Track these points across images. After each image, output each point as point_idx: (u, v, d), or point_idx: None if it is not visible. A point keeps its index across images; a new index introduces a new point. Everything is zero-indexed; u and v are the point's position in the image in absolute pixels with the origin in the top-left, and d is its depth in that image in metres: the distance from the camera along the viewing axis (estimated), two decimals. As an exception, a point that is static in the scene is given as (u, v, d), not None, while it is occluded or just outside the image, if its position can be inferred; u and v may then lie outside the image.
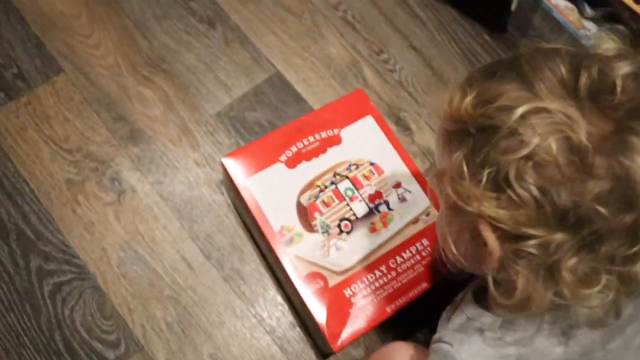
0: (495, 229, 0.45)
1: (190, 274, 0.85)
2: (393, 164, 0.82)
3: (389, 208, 0.80)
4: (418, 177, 0.82)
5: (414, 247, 0.78)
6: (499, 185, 0.44)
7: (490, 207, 0.44)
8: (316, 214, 0.78)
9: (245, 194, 0.78)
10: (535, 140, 0.42)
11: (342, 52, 0.99)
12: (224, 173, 0.81)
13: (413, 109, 0.98)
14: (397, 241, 0.78)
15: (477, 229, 0.47)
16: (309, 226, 0.78)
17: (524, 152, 0.42)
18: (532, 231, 0.43)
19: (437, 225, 0.61)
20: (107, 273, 0.84)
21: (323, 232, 0.78)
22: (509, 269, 0.46)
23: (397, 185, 0.81)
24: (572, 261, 0.43)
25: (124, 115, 0.92)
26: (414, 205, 0.80)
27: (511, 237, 0.45)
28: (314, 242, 0.77)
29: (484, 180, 0.44)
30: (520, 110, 0.43)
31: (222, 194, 0.89)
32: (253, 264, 0.86)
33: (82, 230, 0.86)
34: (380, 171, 0.82)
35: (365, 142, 0.83)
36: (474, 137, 0.46)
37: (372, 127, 0.84)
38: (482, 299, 0.59)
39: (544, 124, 0.42)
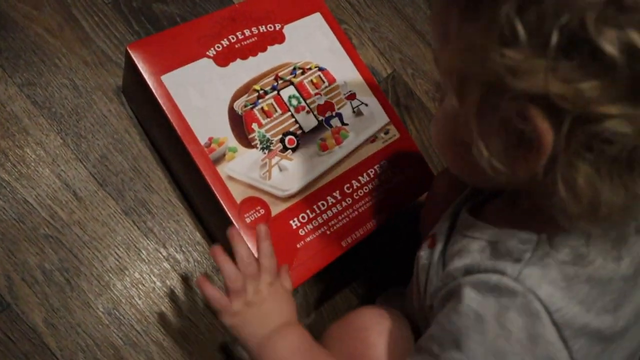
0: (554, 112, 0.32)
1: (78, 207, 0.63)
2: (346, 72, 0.68)
3: (342, 122, 0.65)
4: (374, 88, 0.68)
5: (372, 170, 0.65)
6: (573, 46, 0.30)
7: (558, 81, 0.30)
8: (254, 125, 0.61)
9: (159, 95, 0.58)
10: None
11: (273, -54, 0.81)
12: (129, 69, 0.61)
13: (355, 22, 0.84)
14: (353, 162, 0.64)
15: (521, 119, 0.33)
16: (244, 140, 0.61)
17: None
18: (612, 109, 0.30)
19: (439, 132, 0.45)
20: (-48, 204, 0.60)
21: (263, 148, 0.61)
22: (565, 168, 0.33)
23: (352, 97, 0.67)
24: None
25: (-23, -9, 0.66)
26: (372, 121, 0.67)
27: (577, 122, 0.31)
28: (251, 159, 0.60)
29: (554, 41, 0.30)
30: None
31: (122, 103, 0.68)
32: (163, 194, 0.67)
33: None
34: (331, 79, 0.66)
35: (313, 44, 0.67)
36: None
37: (320, 27, 0.68)
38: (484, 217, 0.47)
39: None
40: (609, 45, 0.29)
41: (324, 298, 0.70)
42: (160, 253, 0.65)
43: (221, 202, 0.58)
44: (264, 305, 0.50)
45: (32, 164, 0.63)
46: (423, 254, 0.51)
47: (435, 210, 0.56)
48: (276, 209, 0.60)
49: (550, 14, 0.30)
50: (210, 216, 0.64)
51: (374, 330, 0.52)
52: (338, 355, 0.50)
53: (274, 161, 0.61)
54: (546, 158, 0.34)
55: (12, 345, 0.58)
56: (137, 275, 0.63)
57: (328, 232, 0.61)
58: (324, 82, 0.66)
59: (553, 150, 0.33)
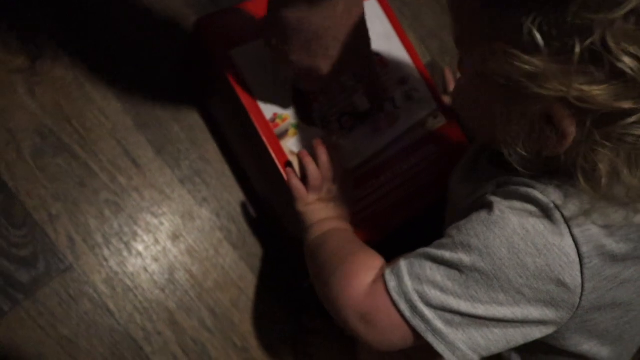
0: (578, 110, 0.36)
1: (137, 173, 0.65)
2: (398, 58, 0.70)
3: (394, 106, 0.68)
4: (424, 75, 0.71)
5: (421, 153, 0.68)
6: (596, 55, 0.34)
7: (583, 85, 0.35)
8: (315, 105, 0.64)
9: (227, 69, 0.60)
10: None
11: None
12: (197, 41, 0.62)
13: (396, 7, 0.86)
14: (404, 144, 0.67)
15: (546, 114, 0.38)
16: (306, 118, 0.63)
17: (629, 5, 0.33)
18: (633, 105, 0.35)
19: (463, 100, 0.50)
20: (16, 165, 0.60)
21: (323, 127, 0.63)
22: (588, 154, 0.38)
23: (403, 82, 0.69)
24: None
25: (40, -47, 0.66)
26: (421, 106, 0.69)
27: (599, 118, 0.36)
28: (311, 137, 0.63)
29: (577, 51, 0.34)
30: None
31: (181, 74, 0.69)
32: (218, 165, 0.69)
33: (-25, 104, 0.61)
34: (384, 64, 0.69)
35: (369, 28, 0.69)
36: None
37: (376, 13, 0.70)
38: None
39: None
40: (628, 60, 0.33)
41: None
42: (214, 223, 0.67)
43: (284, 176, 0.60)
44: (331, 202, 0.59)
45: (95, 129, 0.64)
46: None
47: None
48: (333, 185, 0.62)
49: (572, 28, 0.34)
50: (269, 189, 0.66)
51: None
52: None
53: (332, 140, 0.64)
54: (568, 145, 0.38)
55: (74, 304, 0.60)
56: (191, 242, 0.66)
57: (377, 212, 0.64)
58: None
59: (575, 138, 0.38)
